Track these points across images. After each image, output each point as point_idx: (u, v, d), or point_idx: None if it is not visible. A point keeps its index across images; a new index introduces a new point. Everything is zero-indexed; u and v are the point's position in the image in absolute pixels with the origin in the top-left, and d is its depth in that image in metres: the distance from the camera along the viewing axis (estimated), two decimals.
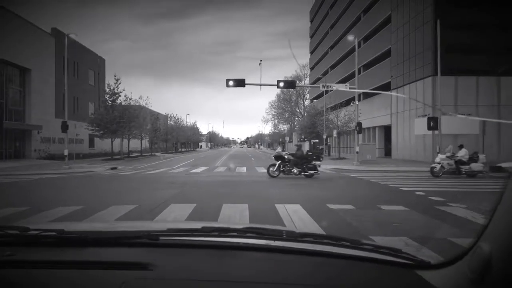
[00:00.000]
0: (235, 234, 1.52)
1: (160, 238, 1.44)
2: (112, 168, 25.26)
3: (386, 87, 38.16)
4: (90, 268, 1.26)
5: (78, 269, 1.26)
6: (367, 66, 45.21)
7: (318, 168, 17.74)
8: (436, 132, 24.46)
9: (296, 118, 77.12)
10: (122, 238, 1.48)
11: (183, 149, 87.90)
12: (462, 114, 21.60)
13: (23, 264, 1.29)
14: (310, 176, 17.38)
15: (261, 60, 30.23)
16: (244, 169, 24.45)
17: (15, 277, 1.21)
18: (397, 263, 1.35)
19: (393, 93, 31.75)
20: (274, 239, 1.48)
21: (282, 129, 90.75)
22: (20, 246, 1.44)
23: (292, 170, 17.52)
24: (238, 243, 1.44)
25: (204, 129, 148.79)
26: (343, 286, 1.19)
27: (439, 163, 17.95)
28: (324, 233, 2.77)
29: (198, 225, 1.59)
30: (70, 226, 1.75)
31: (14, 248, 1.39)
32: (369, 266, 1.33)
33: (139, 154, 50.20)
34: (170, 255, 1.39)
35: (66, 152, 25.66)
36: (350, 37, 32.53)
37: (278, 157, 18.02)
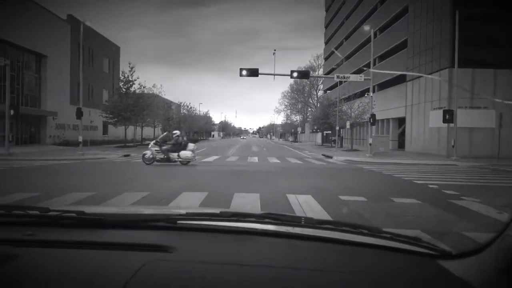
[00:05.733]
0: (253, 219, 1.52)
1: (179, 222, 1.45)
2: (125, 155, 25.51)
3: (401, 78, 37.65)
4: (110, 249, 1.27)
5: (98, 250, 1.27)
6: (382, 57, 44.59)
7: (193, 155, 17.70)
8: (452, 125, 24.16)
9: (309, 109, 76.66)
10: (141, 221, 1.49)
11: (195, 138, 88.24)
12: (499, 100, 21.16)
13: (44, 244, 1.31)
14: (186, 163, 17.46)
15: (275, 50, 30.09)
16: (256, 159, 24.48)
17: (35, 256, 1.23)
18: (417, 252, 1.33)
19: (425, 75, 30.91)
20: (293, 225, 1.47)
21: (295, 119, 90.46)
22: (41, 227, 1.46)
23: (164, 157, 17.44)
24: (257, 228, 1.44)
25: (216, 119, 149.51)
26: (362, 273, 1.18)
27: None
28: None
29: (215, 210, 1.59)
30: (89, 209, 1.78)
31: (34, 228, 1.41)
32: (389, 254, 1.32)
33: None
34: (189, 238, 1.40)
35: (80, 139, 26.01)
36: (366, 27, 32.13)
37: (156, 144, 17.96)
